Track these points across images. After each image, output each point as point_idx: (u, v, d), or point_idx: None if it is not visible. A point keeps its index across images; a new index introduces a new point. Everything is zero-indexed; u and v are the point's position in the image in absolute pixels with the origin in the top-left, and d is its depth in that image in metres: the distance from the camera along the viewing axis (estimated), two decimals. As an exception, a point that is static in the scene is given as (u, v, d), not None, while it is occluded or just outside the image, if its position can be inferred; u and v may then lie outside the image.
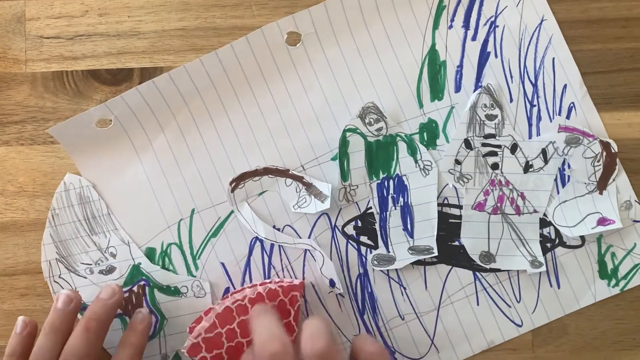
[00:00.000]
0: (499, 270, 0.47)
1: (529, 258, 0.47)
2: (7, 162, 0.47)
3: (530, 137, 0.47)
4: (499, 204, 0.47)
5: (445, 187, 0.47)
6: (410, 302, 0.47)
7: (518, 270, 0.47)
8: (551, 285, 0.47)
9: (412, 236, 0.47)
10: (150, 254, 0.47)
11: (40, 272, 0.47)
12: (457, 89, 0.48)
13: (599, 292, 0.47)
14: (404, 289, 0.47)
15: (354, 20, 0.47)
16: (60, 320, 0.41)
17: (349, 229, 0.47)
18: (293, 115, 0.47)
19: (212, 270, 0.47)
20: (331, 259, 0.47)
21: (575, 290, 0.47)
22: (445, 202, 0.47)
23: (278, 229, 0.47)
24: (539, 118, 0.47)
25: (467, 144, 0.47)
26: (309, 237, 0.47)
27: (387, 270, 0.47)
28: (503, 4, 0.48)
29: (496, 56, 0.48)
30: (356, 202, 0.47)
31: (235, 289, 0.47)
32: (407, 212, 0.47)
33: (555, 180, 0.47)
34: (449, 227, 0.47)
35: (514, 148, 0.47)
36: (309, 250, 0.47)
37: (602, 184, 0.47)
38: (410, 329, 0.47)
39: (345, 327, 0.47)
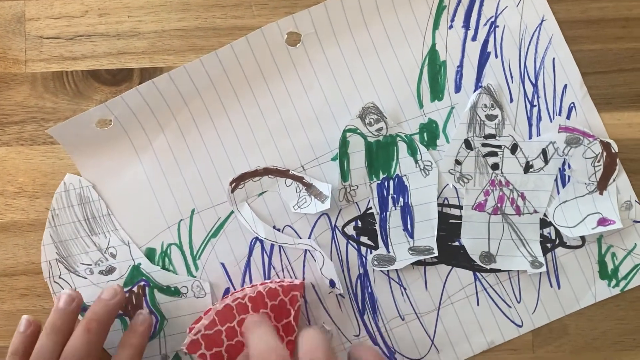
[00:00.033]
0: (499, 270, 0.47)
1: (529, 258, 0.47)
2: (7, 162, 0.47)
3: (530, 137, 0.47)
4: (499, 204, 0.47)
5: (445, 187, 0.47)
6: (410, 302, 0.47)
7: (518, 271, 0.47)
8: (551, 286, 0.47)
9: (412, 236, 0.47)
10: (150, 254, 0.47)
11: (40, 272, 0.47)
12: (457, 89, 0.48)
13: (599, 292, 0.47)
14: (404, 289, 0.47)
15: (354, 21, 0.47)
16: (62, 320, 0.41)
17: (349, 230, 0.47)
18: (293, 115, 0.47)
19: (212, 270, 0.47)
20: (331, 260, 0.47)
21: (575, 291, 0.47)
22: (446, 202, 0.47)
23: (278, 230, 0.47)
24: (539, 118, 0.47)
25: (467, 144, 0.47)
26: (309, 238, 0.47)
27: (387, 270, 0.47)
28: (503, 4, 0.48)
29: (496, 56, 0.48)
30: (356, 203, 0.47)
31: (235, 289, 0.47)
32: (407, 213, 0.47)
33: (556, 180, 0.47)
34: (449, 227, 0.47)
35: (514, 148, 0.47)
36: (309, 250, 0.47)
37: (602, 184, 0.47)
38: (410, 329, 0.47)
39: (346, 327, 0.47)
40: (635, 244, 0.47)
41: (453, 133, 0.47)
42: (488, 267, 0.47)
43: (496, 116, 0.47)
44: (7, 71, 0.47)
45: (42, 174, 0.47)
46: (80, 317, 0.44)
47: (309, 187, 0.47)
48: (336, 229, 0.47)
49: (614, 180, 0.47)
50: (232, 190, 0.47)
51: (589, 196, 0.47)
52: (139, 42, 0.48)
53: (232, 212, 0.47)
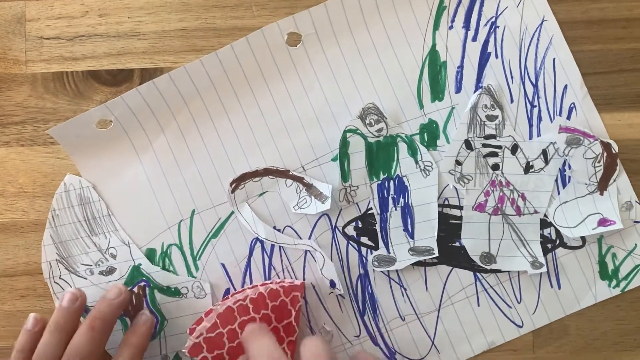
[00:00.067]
0: (499, 271, 0.47)
1: (530, 259, 0.47)
2: (7, 163, 0.47)
3: (530, 137, 0.47)
4: (499, 205, 0.47)
5: (445, 187, 0.47)
6: (410, 302, 0.47)
7: (519, 271, 0.47)
8: (552, 286, 0.47)
9: (412, 237, 0.47)
10: (150, 254, 0.47)
11: (41, 273, 0.47)
12: (458, 89, 0.48)
13: (599, 292, 0.47)
14: (405, 289, 0.47)
15: (354, 21, 0.47)
16: (65, 319, 0.41)
17: (350, 230, 0.47)
18: (293, 115, 0.47)
19: (212, 271, 0.47)
20: (332, 260, 0.47)
21: (575, 291, 0.47)
22: (446, 202, 0.47)
23: (278, 230, 0.47)
24: (540, 119, 0.47)
25: (468, 144, 0.47)
26: (309, 238, 0.47)
27: (388, 271, 0.47)
28: (504, 5, 0.48)
29: (497, 57, 0.48)
30: (356, 203, 0.47)
31: (235, 289, 0.47)
32: (407, 213, 0.47)
33: (556, 181, 0.47)
34: (449, 227, 0.47)
35: (514, 149, 0.47)
36: (309, 251, 0.47)
37: (602, 185, 0.47)
38: (410, 329, 0.47)
39: (346, 327, 0.47)
40: (636, 244, 0.47)
41: (453, 133, 0.47)
42: (488, 267, 0.47)
43: (496, 116, 0.47)
44: (8, 72, 0.47)
45: (43, 175, 0.47)
46: (82, 319, 0.44)
47: (309, 187, 0.47)
48: (336, 230, 0.47)
49: (614, 180, 0.47)
50: (233, 191, 0.47)
51: (589, 196, 0.47)
52: (139, 42, 0.48)
53: (232, 212, 0.47)
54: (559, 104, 0.47)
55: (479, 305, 0.47)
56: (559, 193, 0.47)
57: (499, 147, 0.47)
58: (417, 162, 0.47)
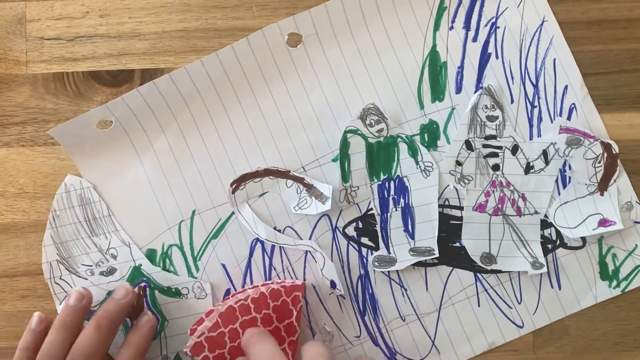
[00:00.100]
0: (500, 271, 0.47)
1: (530, 259, 0.47)
2: (8, 163, 0.47)
3: (531, 138, 0.47)
4: (500, 205, 0.47)
5: (446, 188, 0.47)
6: (411, 303, 0.47)
7: (519, 272, 0.47)
8: (552, 287, 0.47)
9: (413, 237, 0.47)
10: (151, 255, 0.47)
11: (41, 273, 0.47)
12: (458, 90, 0.48)
13: (600, 293, 0.47)
14: (405, 290, 0.47)
15: (354, 22, 0.47)
16: (71, 317, 0.42)
17: (350, 230, 0.47)
18: (294, 116, 0.47)
19: (212, 271, 0.47)
20: (332, 260, 0.47)
21: (576, 292, 0.47)
22: (446, 203, 0.47)
23: (279, 230, 0.47)
24: (540, 119, 0.47)
25: (468, 145, 0.47)
26: (309, 239, 0.47)
27: (388, 271, 0.47)
28: (504, 5, 0.48)
29: (497, 57, 0.48)
30: (357, 204, 0.47)
31: (236, 290, 0.47)
32: (408, 214, 0.47)
33: (557, 181, 0.47)
34: (450, 228, 0.47)
35: (514, 149, 0.47)
36: (309, 251, 0.47)
37: (603, 185, 0.47)
38: (411, 330, 0.47)
39: (346, 328, 0.47)
40: (636, 244, 0.47)
41: (454, 134, 0.47)
42: (489, 268, 0.47)
43: (497, 117, 0.47)
44: (8, 72, 0.47)
45: (43, 175, 0.47)
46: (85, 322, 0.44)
47: (309, 188, 0.47)
48: (337, 230, 0.47)
49: (614, 181, 0.47)
50: (233, 191, 0.47)
51: (589, 197, 0.47)
52: (140, 43, 0.48)
53: (232, 213, 0.47)
54: (559, 104, 0.47)
55: (479, 305, 0.47)
56: (559, 193, 0.47)
57: (500, 147, 0.47)
58: (417, 163, 0.47)
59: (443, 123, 0.48)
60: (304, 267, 0.47)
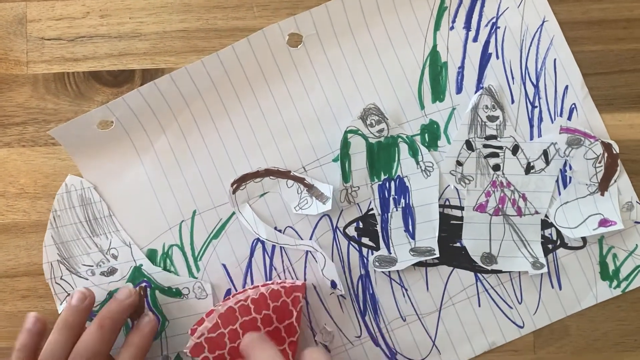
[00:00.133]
0: (500, 271, 0.47)
1: (531, 259, 0.47)
2: (9, 163, 0.47)
3: (531, 138, 0.47)
4: (500, 206, 0.47)
5: (446, 188, 0.47)
6: (411, 303, 0.47)
7: (519, 272, 0.47)
8: (552, 287, 0.47)
9: (413, 237, 0.47)
10: (151, 255, 0.47)
11: (42, 273, 0.47)
12: (459, 90, 0.48)
13: (600, 293, 0.47)
14: (406, 290, 0.47)
15: (355, 22, 0.47)
16: (74, 317, 0.42)
17: (351, 231, 0.47)
18: (294, 116, 0.47)
19: (213, 271, 0.47)
20: (332, 261, 0.47)
21: (576, 292, 0.47)
22: (447, 203, 0.47)
23: (279, 231, 0.47)
24: (541, 119, 0.47)
25: (469, 145, 0.47)
26: (310, 239, 0.47)
27: (389, 271, 0.47)
28: (504, 5, 0.48)
29: (497, 57, 0.48)
30: (357, 204, 0.47)
31: (236, 290, 0.47)
32: (408, 214, 0.47)
33: (557, 181, 0.47)
34: (450, 228, 0.47)
35: (515, 149, 0.47)
36: (310, 251, 0.47)
37: (603, 185, 0.47)
38: (411, 330, 0.47)
39: (347, 328, 0.47)
40: (637, 244, 0.47)
41: (454, 134, 0.47)
42: (489, 268, 0.47)
43: (497, 117, 0.47)
44: (9, 72, 0.48)
45: (44, 175, 0.47)
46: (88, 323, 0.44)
47: (310, 188, 0.47)
48: (337, 230, 0.47)
49: (615, 181, 0.47)
50: (234, 192, 0.47)
51: (590, 197, 0.47)
52: (141, 43, 0.48)
53: (233, 213, 0.47)
54: (559, 104, 0.47)
55: (479, 305, 0.47)
56: (559, 194, 0.47)
57: (500, 147, 0.47)
58: (418, 163, 0.47)
59: (443, 123, 0.48)
60: (305, 267, 0.47)
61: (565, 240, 0.47)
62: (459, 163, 0.47)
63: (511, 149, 0.47)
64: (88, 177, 0.47)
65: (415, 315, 0.47)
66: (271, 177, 0.47)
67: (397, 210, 0.47)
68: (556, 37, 0.48)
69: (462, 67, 0.48)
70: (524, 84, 0.47)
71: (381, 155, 0.47)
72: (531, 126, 0.47)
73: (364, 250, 0.47)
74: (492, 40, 0.48)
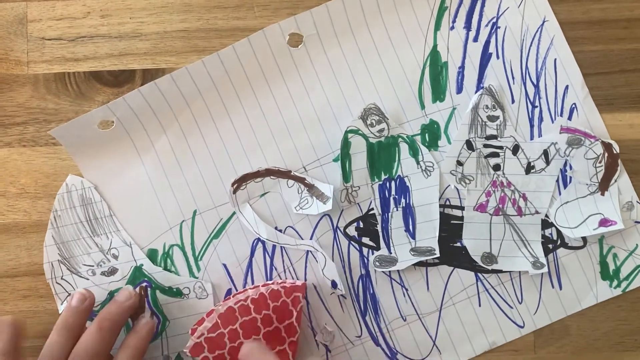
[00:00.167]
0: (500, 271, 0.47)
1: (531, 259, 0.47)
2: (9, 163, 0.47)
3: (532, 138, 0.47)
4: (500, 205, 0.47)
5: (447, 188, 0.47)
6: (412, 303, 0.47)
7: (520, 271, 0.47)
8: (553, 286, 0.47)
9: (414, 237, 0.47)
10: (152, 255, 0.47)
11: (42, 273, 0.47)
12: (459, 90, 0.48)
13: (600, 293, 0.47)
14: (406, 290, 0.47)
15: (355, 22, 0.47)
16: (73, 318, 0.42)
17: (351, 230, 0.47)
18: (295, 116, 0.47)
19: (214, 271, 0.47)
20: (333, 260, 0.47)
21: (577, 291, 0.47)
22: (447, 203, 0.47)
23: (280, 230, 0.47)
24: (541, 119, 0.47)
25: (469, 145, 0.47)
26: (310, 239, 0.47)
27: (389, 271, 0.47)
28: (505, 5, 0.48)
29: (498, 57, 0.48)
30: (358, 204, 0.47)
31: (237, 290, 0.47)
32: (409, 213, 0.47)
33: (557, 181, 0.47)
34: (450, 228, 0.47)
35: (515, 149, 0.47)
36: (310, 251, 0.47)
37: (603, 185, 0.47)
38: (412, 330, 0.47)
39: (347, 328, 0.47)
40: (637, 244, 0.47)
41: (455, 134, 0.47)
42: (490, 267, 0.47)
43: (498, 117, 0.47)
44: (10, 72, 0.48)
45: (44, 175, 0.47)
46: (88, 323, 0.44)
47: (310, 188, 0.47)
48: (338, 230, 0.47)
49: (615, 181, 0.47)
50: (234, 191, 0.47)
51: (590, 197, 0.47)
52: (141, 43, 0.48)
53: (234, 213, 0.47)
54: (560, 104, 0.48)
55: (480, 305, 0.47)
56: (560, 193, 0.47)
57: (500, 147, 0.47)
58: (418, 163, 0.47)
59: (444, 123, 0.48)
60: (305, 267, 0.47)
61: (565, 240, 0.47)
62: (459, 163, 0.47)
63: (511, 148, 0.47)
64: (89, 177, 0.47)
65: (416, 315, 0.47)
66: (272, 177, 0.47)
67: (397, 210, 0.47)
68: (556, 37, 0.48)
69: (462, 67, 0.48)
70: (525, 83, 0.47)
71: (381, 155, 0.47)
72: (531, 126, 0.47)
73: (365, 250, 0.47)
74: (493, 40, 0.48)
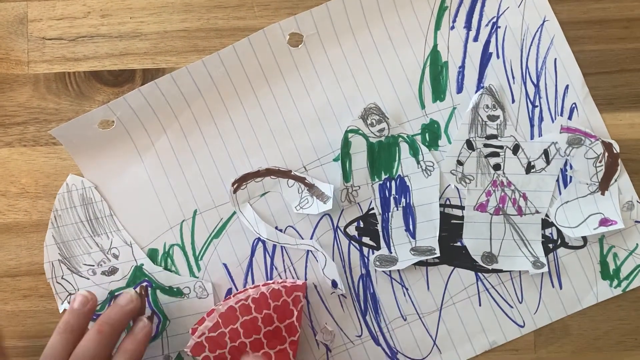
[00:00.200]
0: (501, 270, 0.47)
1: (531, 259, 0.47)
2: (10, 163, 0.47)
3: (532, 137, 0.47)
4: (501, 205, 0.47)
5: (447, 187, 0.47)
6: (412, 302, 0.47)
7: (520, 271, 0.47)
8: (553, 286, 0.47)
9: (414, 237, 0.47)
10: (152, 255, 0.47)
11: (43, 273, 0.47)
12: (459, 89, 0.48)
13: (601, 292, 0.47)
14: (406, 289, 0.47)
15: (355, 21, 0.47)
16: (75, 320, 0.42)
17: (351, 230, 0.47)
18: (295, 116, 0.47)
19: (214, 271, 0.47)
20: (333, 260, 0.47)
21: (577, 291, 0.47)
22: (448, 202, 0.47)
23: (280, 230, 0.47)
24: (541, 119, 0.47)
25: (469, 144, 0.47)
26: (311, 238, 0.47)
27: (389, 271, 0.47)
28: (505, 5, 0.48)
29: (498, 57, 0.48)
30: (358, 203, 0.47)
31: (237, 289, 0.47)
32: (409, 213, 0.47)
33: (557, 180, 0.47)
34: (451, 227, 0.47)
35: (516, 149, 0.47)
36: (311, 251, 0.47)
37: (604, 185, 0.47)
38: (412, 329, 0.47)
39: (348, 327, 0.47)
40: (637, 244, 0.47)
41: (455, 134, 0.47)
42: (490, 267, 0.47)
43: (498, 117, 0.47)
44: (10, 72, 0.48)
45: (45, 175, 0.47)
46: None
47: (311, 187, 0.47)
48: (338, 230, 0.47)
49: (615, 180, 0.47)
50: (235, 191, 0.47)
51: (590, 196, 0.47)
52: (141, 43, 0.48)
53: (234, 212, 0.47)
54: (560, 104, 0.48)
55: (480, 305, 0.47)
56: (560, 193, 0.47)
57: (501, 147, 0.47)
58: (418, 162, 0.47)
59: (444, 123, 0.48)
60: (306, 266, 0.47)
61: (565, 240, 0.47)
62: (459, 162, 0.47)
63: (512, 148, 0.47)
64: (89, 177, 0.47)
65: (416, 314, 0.47)
66: (272, 176, 0.47)
67: (397, 209, 0.47)
68: (557, 36, 0.48)
69: (462, 66, 0.48)
70: (525, 83, 0.47)
71: (382, 155, 0.47)
72: (532, 125, 0.47)
73: (365, 249, 0.47)
74: (493, 39, 0.48)
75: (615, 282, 0.47)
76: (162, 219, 0.47)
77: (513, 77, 0.48)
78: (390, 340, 0.47)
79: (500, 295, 0.47)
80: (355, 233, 0.47)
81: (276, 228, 0.47)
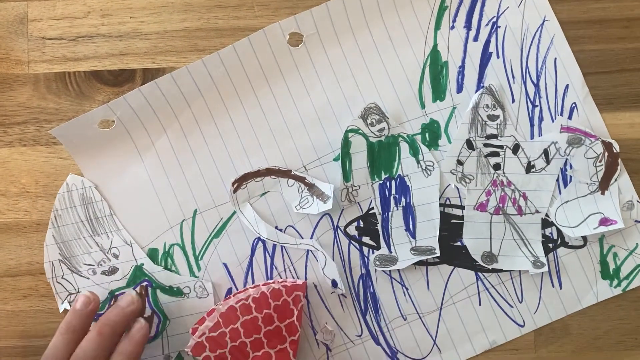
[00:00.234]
0: (501, 270, 0.47)
1: (531, 258, 0.47)
2: (10, 163, 0.47)
3: (532, 137, 0.47)
4: (501, 205, 0.47)
5: (447, 187, 0.47)
6: (412, 302, 0.47)
7: (520, 271, 0.47)
8: (553, 286, 0.47)
9: (414, 237, 0.47)
10: (152, 254, 0.47)
11: (43, 273, 0.47)
12: (459, 89, 0.48)
13: (601, 292, 0.47)
14: (406, 289, 0.47)
15: (355, 21, 0.47)
16: (77, 321, 0.42)
17: (351, 230, 0.47)
18: (295, 116, 0.47)
19: (214, 271, 0.47)
20: (333, 260, 0.47)
21: (577, 291, 0.47)
22: (448, 202, 0.47)
23: (280, 230, 0.47)
24: (541, 118, 0.47)
25: (469, 144, 0.47)
26: (311, 238, 0.47)
27: (389, 270, 0.47)
28: (505, 5, 0.48)
29: (498, 56, 0.48)
30: (358, 203, 0.47)
31: (237, 289, 0.47)
32: (409, 213, 0.47)
33: (558, 180, 0.47)
34: (451, 227, 0.47)
35: (516, 148, 0.47)
36: (311, 250, 0.47)
37: (604, 184, 0.47)
38: (412, 329, 0.47)
39: (348, 327, 0.47)
40: (637, 243, 0.47)
41: (455, 133, 0.47)
42: (490, 267, 0.47)
43: (498, 116, 0.47)
44: (10, 72, 0.48)
45: (45, 175, 0.47)
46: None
47: (311, 187, 0.47)
48: (338, 229, 0.47)
49: (615, 180, 0.47)
50: (235, 191, 0.47)
51: (590, 196, 0.47)
52: (142, 42, 0.48)
53: (234, 212, 0.47)
54: (560, 103, 0.48)
55: (480, 304, 0.47)
56: (560, 193, 0.47)
57: (501, 146, 0.47)
58: (418, 162, 0.47)
59: (444, 122, 0.48)
60: (306, 266, 0.47)
61: (565, 239, 0.47)
62: (459, 162, 0.47)
63: (512, 148, 0.47)
64: (89, 177, 0.47)
65: (416, 314, 0.47)
66: (272, 176, 0.47)
67: (397, 209, 0.47)
68: (557, 36, 0.48)
69: (462, 66, 0.48)
70: (525, 83, 0.48)
71: (382, 155, 0.47)
72: (532, 125, 0.47)
73: (365, 249, 0.47)
74: (493, 39, 0.48)
75: (615, 281, 0.47)
76: (162, 219, 0.47)
77: (513, 77, 0.48)
78: (390, 340, 0.47)
79: (500, 295, 0.47)
80: (355, 233, 0.47)
81: (276, 228, 0.47)
